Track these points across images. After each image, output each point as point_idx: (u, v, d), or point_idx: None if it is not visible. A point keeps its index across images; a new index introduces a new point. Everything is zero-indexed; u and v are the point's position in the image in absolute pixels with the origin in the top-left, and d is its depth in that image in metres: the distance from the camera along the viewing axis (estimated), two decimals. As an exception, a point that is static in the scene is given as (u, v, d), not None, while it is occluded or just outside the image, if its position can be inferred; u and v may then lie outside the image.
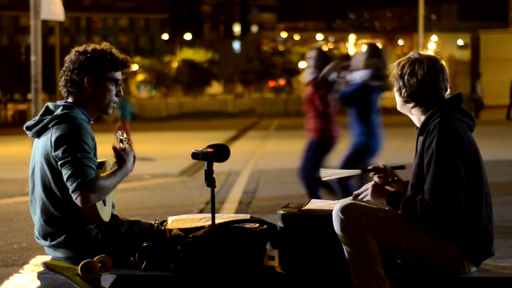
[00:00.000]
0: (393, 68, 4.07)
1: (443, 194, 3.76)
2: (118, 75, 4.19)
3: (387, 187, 4.03)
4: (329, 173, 4.19)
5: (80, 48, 4.17)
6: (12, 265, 6.69)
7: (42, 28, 16.51)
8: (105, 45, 4.20)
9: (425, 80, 3.96)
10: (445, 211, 3.76)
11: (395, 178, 4.07)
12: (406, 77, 3.98)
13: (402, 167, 4.14)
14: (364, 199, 3.99)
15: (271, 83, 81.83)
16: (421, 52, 4.06)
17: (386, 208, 3.98)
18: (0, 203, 11.12)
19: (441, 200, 3.76)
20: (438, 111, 3.93)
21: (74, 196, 3.90)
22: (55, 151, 3.96)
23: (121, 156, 4.13)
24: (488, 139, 21.75)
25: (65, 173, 3.93)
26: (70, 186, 3.91)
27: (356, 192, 4.04)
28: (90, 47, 4.17)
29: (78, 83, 4.12)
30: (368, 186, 4.00)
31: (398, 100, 4.07)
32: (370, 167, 4.13)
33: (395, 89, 4.08)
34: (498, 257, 5.70)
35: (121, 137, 4.19)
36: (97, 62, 4.11)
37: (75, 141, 3.95)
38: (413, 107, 4.02)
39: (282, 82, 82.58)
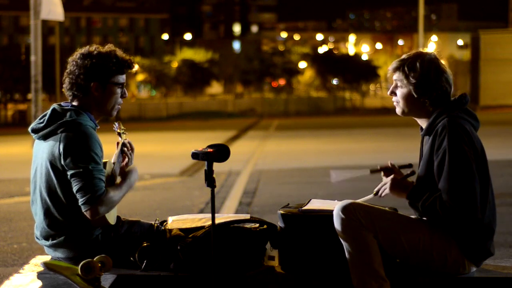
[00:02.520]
0: (408, 68, 3.92)
1: (461, 192, 3.75)
2: (123, 78, 4.17)
3: (406, 181, 3.99)
4: (337, 175, 4.16)
5: (84, 51, 4.11)
6: (12, 265, 6.69)
7: (42, 28, 16.53)
8: (109, 47, 4.15)
9: (446, 79, 3.94)
10: (465, 208, 3.75)
11: (414, 171, 4.03)
12: (433, 77, 3.89)
13: (409, 166, 4.10)
14: (383, 194, 3.97)
15: (274, 84, 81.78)
16: (425, 50, 4.02)
17: (387, 209, 3.98)
18: (0, 203, 11.12)
19: (460, 198, 3.75)
20: (445, 112, 3.90)
21: (83, 209, 3.92)
22: (64, 160, 3.95)
23: (124, 173, 4.18)
24: (488, 139, 21.73)
25: (75, 185, 3.93)
26: (80, 199, 3.92)
27: (376, 189, 4.01)
28: (95, 50, 4.11)
29: (84, 88, 4.08)
30: (387, 180, 3.97)
31: (408, 102, 3.95)
32: (379, 167, 4.10)
33: (406, 90, 3.94)
34: (498, 257, 5.70)
35: (119, 130, 4.19)
36: (102, 67, 4.07)
37: (85, 151, 3.94)
38: (425, 107, 3.96)
39: (282, 82, 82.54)
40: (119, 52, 4.15)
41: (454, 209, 3.76)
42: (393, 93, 4.02)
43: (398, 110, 4.04)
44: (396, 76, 3.99)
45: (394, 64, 4.01)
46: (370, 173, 4.13)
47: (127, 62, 4.15)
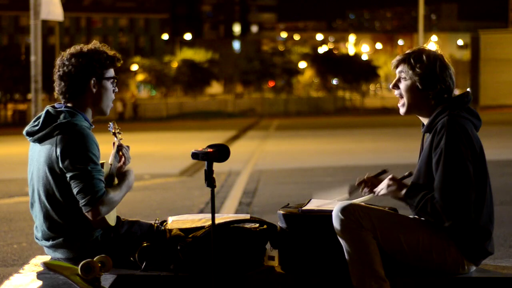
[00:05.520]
0: (414, 60, 3.92)
1: (453, 193, 3.75)
2: (113, 72, 4.19)
3: (403, 182, 3.99)
4: (317, 202, 4.16)
5: (74, 51, 4.10)
6: (12, 265, 6.69)
7: (42, 28, 16.53)
8: (94, 43, 4.17)
9: (450, 75, 3.94)
10: (455, 210, 3.75)
11: (411, 172, 4.01)
12: (438, 70, 3.89)
13: (409, 175, 4.07)
14: (380, 193, 3.97)
15: (271, 83, 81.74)
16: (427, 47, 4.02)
17: (386, 209, 3.98)
18: (0, 203, 11.13)
19: (451, 200, 3.75)
20: (446, 109, 3.90)
21: (85, 210, 3.91)
22: (62, 163, 3.93)
23: (122, 173, 4.18)
24: (488, 139, 21.74)
25: (75, 186, 3.92)
26: (81, 200, 3.91)
27: (375, 189, 4.01)
28: (84, 48, 4.12)
29: (82, 86, 4.08)
30: (385, 180, 3.97)
31: (412, 94, 3.94)
32: (356, 184, 4.09)
33: (410, 82, 3.93)
34: (498, 257, 5.70)
35: (114, 130, 4.19)
36: (97, 62, 4.09)
37: (83, 153, 3.92)
38: (428, 101, 3.93)
39: (272, 84, 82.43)
40: (106, 47, 4.18)
41: (445, 209, 3.76)
42: (396, 86, 4.01)
43: (402, 111, 4.03)
44: (401, 68, 3.98)
45: (398, 57, 4.01)
46: (349, 195, 4.12)
47: (115, 56, 4.18)
